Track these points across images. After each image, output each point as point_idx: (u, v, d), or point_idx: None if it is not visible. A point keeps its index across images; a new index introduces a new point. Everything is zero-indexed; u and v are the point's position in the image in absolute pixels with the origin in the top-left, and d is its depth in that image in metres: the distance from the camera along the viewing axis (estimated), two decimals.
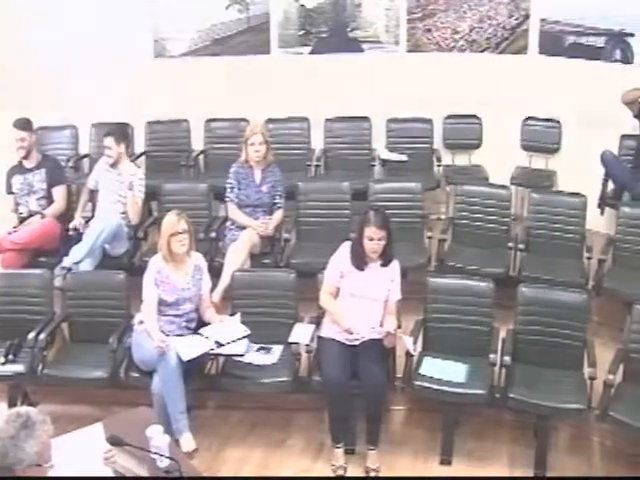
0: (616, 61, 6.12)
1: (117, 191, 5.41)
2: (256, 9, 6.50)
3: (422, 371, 4.27)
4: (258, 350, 4.44)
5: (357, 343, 4.25)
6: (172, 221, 4.40)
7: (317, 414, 4.42)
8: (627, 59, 6.07)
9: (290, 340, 4.39)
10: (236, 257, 5.00)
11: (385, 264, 4.39)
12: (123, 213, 5.38)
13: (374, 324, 4.30)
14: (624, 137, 5.89)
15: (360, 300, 4.34)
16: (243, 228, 5.18)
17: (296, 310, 4.59)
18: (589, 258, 5.05)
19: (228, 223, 5.32)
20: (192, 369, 4.25)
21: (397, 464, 4.21)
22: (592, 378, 4.16)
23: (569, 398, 4.12)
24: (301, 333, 4.42)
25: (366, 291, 4.34)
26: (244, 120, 6.12)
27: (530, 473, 4.14)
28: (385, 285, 4.37)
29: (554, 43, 6.33)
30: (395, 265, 4.42)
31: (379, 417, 4.21)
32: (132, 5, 6.40)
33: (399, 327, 4.35)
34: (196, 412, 4.40)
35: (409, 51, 6.50)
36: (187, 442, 4.11)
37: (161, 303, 4.39)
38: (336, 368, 4.16)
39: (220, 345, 4.28)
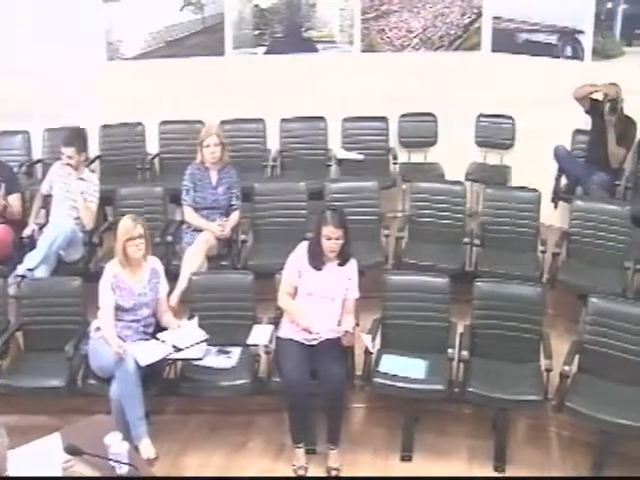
0: (567, 57, 6.23)
1: (71, 196, 5.33)
2: (210, 10, 6.45)
3: (381, 368, 4.28)
4: (217, 353, 4.41)
5: (316, 343, 4.25)
6: (128, 226, 4.35)
7: (277, 415, 4.41)
8: (578, 55, 6.18)
9: (249, 342, 4.37)
10: (193, 260, 4.96)
11: (342, 263, 4.39)
12: (77, 218, 5.31)
13: (332, 323, 4.30)
14: (576, 132, 6.00)
15: (318, 299, 4.34)
16: (200, 231, 5.14)
17: (254, 311, 4.57)
18: (543, 252, 5.11)
19: (184, 226, 5.28)
20: (150, 374, 4.20)
21: (358, 462, 4.22)
22: (548, 370, 4.21)
23: (526, 390, 4.17)
24: (260, 334, 4.40)
25: (324, 290, 4.34)
26: (199, 122, 6.07)
27: (490, 466, 4.18)
28: (343, 284, 4.38)
29: (507, 40, 6.42)
30: (352, 264, 4.42)
31: (339, 416, 4.21)
32: (84, 7, 6.32)
33: (357, 325, 4.36)
34: (155, 417, 4.35)
35: (363, 51, 6.52)
36: (146, 448, 4.06)
37: (118, 309, 4.34)
38: (295, 368, 4.16)
39: (178, 349, 4.24)
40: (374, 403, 4.55)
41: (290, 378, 4.15)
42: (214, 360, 4.36)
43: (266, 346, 4.35)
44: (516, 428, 4.43)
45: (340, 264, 4.39)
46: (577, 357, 4.29)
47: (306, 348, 4.25)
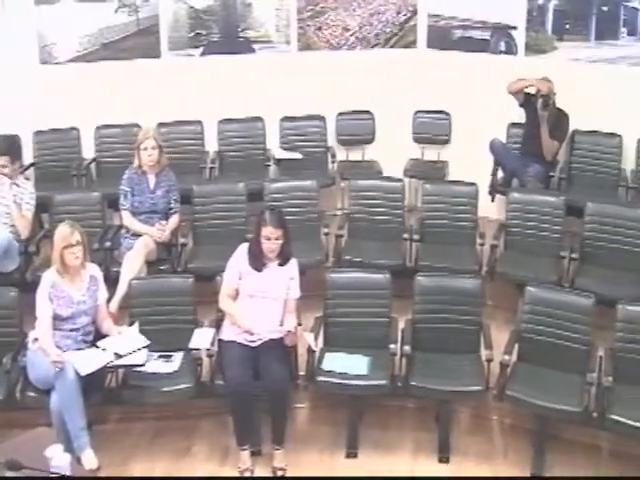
0: (501, 53, 6.35)
1: (6, 204, 5.20)
2: (145, 12, 6.36)
3: (324, 367, 4.29)
4: (158, 359, 4.36)
5: (258, 344, 4.24)
6: (65, 233, 4.26)
7: (221, 418, 4.38)
8: (511, 51, 6.30)
9: (190, 346, 4.33)
10: (132, 265, 4.89)
11: (283, 263, 4.39)
12: (12, 226, 5.18)
13: (274, 324, 4.30)
14: (511, 125, 6.11)
15: (260, 300, 4.33)
16: (139, 235, 5.07)
17: (195, 315, 4.53)
18: (482, 244, 5.21)
19: (123, 231, 5.20)
20: (91, 383, 4.13)
21: (304, 461, 4.22)
22: (489, 360, 4.28)
23: (468, 381, 4.24)
24: (201, 338, 4.37)
25: (265, 291, 4.33)
26: (136, 125, 5.98)
27: (434, 457, 4.24)
28: (284, 284, 4.37)
29: (442, 37, 6.51)
30: (293, 263, 4.42)
31: (284, 416, 4.21)
32: (15, 9, 6.17)
33: (299, 325, 4.36)
34: (97, 427, 4.28)
35: (300, 50, 6.53)
36: (89, 459, 3.99)
37: (56, 318, 4.25)
38: (238, 370, 4.13)
39: (119, 357, 4.18)
40: (318, 402, 4.56)
41: (233, 380, 4.13)
42: (156, 366, 4.31)
43: (208, 349, 4.31)
44: (459, 419, 4.50)
45: (281, 264, 4.38)
46: (516, 346, 4.37)
47: (248, 349, 4.24)
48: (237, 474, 4.16)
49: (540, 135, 5.70)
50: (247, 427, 4.19)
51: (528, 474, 4.15)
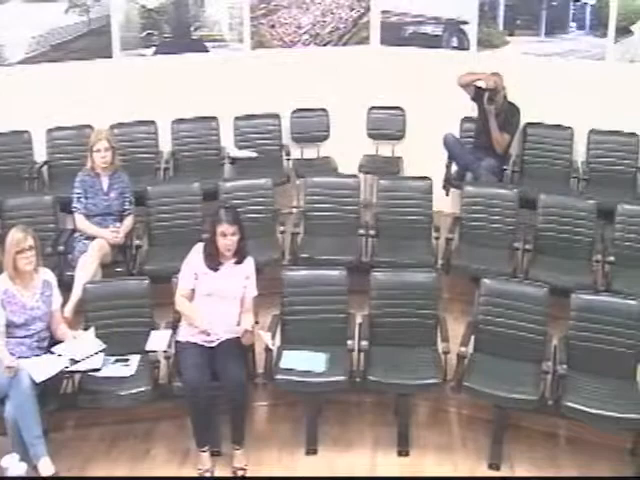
0: (454, 48, 6.40)
1: None
2: (96, 12, 6.25)
3: (282, 365, 4.29)
4: (115, 362, 4.30)
5: (215, 344, 4.22)
6: (18, 238, 4.18)
7: (179, 420, 4.35)
8: (464, 46, 6.36)
9: (147, 348, 4.29)
10: (87, 269, 4.83)
11: (239, 262, 4.37)
12: None
13: (231, 323, 4.28)
14: (464, 120, 6.17)
15: (216, 300, 4.30)
16: (93, 238, 5.00)
17: (152, 317, 4.49)
18: (437, 238, 5.25)
19: (77, 234, 5.13)
20: (47, 390, 4.06)
21: (264, 460, 4.22)
22: (446, 352, 4.32)
23: (425, 374, 4.27)
24: (158, 340, 4.33)
25: (222, 290, 4.31)
26: (88, 127, 5.90)
27: (394, 452, 4.26)
28: (240, 283, 4.35)
29: (395, 33, 6.54)
30: (249, 262, 4.41)
31: (242, 416, 4.19)
32: None
33: (257, 323, 4.34)
34: (54, 434, 4.21)
35: (254, 48, 6.50)
36: (45, 467, 3.93)
37: (9, 325, 4.17)
38: (196, 371, 4.11)
39: (75, 362, 4.12)
40: (277, 400, 4.56)
41: (191, 381, 4.09)
42: (113, 370, 4.25)
43: (165, 351, 4.27)
44: (417, 412, 4.53)
45: (237, 262, 4.36)
46: (473, 338, 4.42)
47: (206, 350, 4.21)
48: (196, 476, 4.12)
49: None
50: (206, 428, 4.16)
51: (486, 464, 4.19)
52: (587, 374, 4.25)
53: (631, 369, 4.26)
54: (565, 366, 4.14)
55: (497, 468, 4.19)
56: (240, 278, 4.35)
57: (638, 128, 5.91)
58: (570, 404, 4.06)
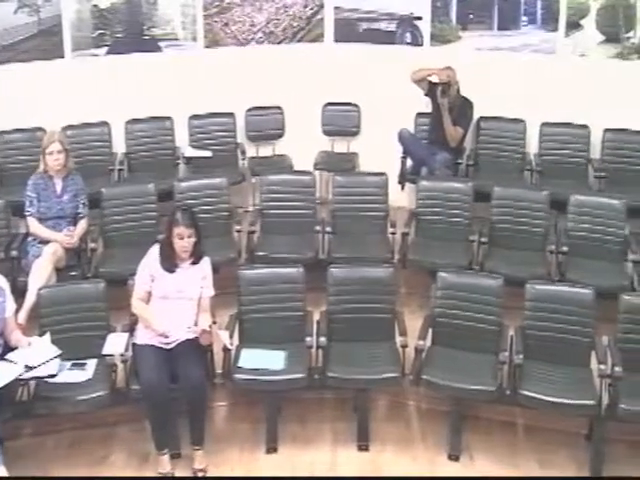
0: (407, 44, 6.44)
1: None
2: (47, 11, 6.14)
3: (241, 364, 4.28)
4: (71, 367, 4.24)
5: (173, 345, 4.19)
6: None
7: (138, 424, 4.31)
8: (417, 42, 6.40)
9: (104, 352, 4.24)
10: (41, 273, 4.75)
11: (196, 262, 4.35)
12: None
13: (189, 324, 4.25)
14: (418, 115, 6.22)
15: (173, 301, 4.28)
16: (46, 242, 4.92)
17: (108, 320, 4.44)
18: (393, 233, 5.28)
19: (30, 239, 5.04)
20: (1, 398, 3.96)
21: (224, 460, 4.20)
22: (404, 346, 4.35)
23: (384, 368, 4.29)
24: (115, 343, 4.28)
25: (179, 292, 4.28)
26: (40, 129, 5.80)
27: (354, 447, 4.28)
28: (197, 283, 4.33)
29: (348, 30, 6.55)
30: (206, 262, 4.39)
31: (202, 417, 4.17)
32: None
33: (215, 323, 4.32)
34: (9, 443, 4.12)
35: (207, 47, 6.46)
36: (1, 477, 3.86)
37: None
38: (154, 374, 4.07)
39: (30, 369, 4.04)
40: (236, 399, 4.54)
41: (149, 384, 4.06)
42: (69, 375, 4.19)
43: (122, 354, 4.23)
44: (377, 406, 4.55)
45: (193, 263, 4.34)
46: (430, 331, 4.45)
47: (163, 352, 4.18)
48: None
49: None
50: (165, 431, 4.13)
51: (445, 455, 4.24)
52: (543, 363, 4.31)
53: (585, 356, 4.33)
54: (521, 356, 4.20)
55: (456, 459, 4.24)
56: (197, 279, 4.33)
57: (589, 120, 6.02)
58: (527, 393, 4.12)
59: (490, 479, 4.15)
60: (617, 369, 4.06)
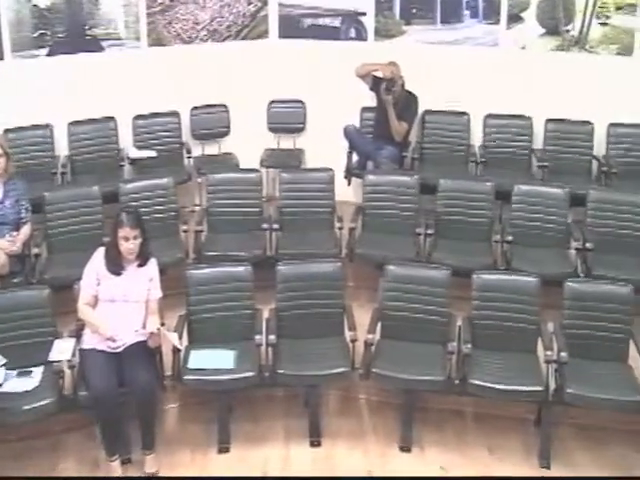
0: (352, 39, 6.46)
1: None
2: None
3: (190, 365, 4.25)
4: (17, 376, 4.15)
5: (121, 349, 4.13)
6: None
7: (87, 430, 4.24)
8: (361, 37, 6.43)
9: (50, 359, 4.16)
10: None
11: (142, 264, 4.31)
12: None
13: (137, 327, 4.20)
14: (364, 110, 6.25)
15: (120, 304, 4.23)
16: None
17: (54, 326, 4.35)
18: (340, 228, 5.29)
19: None
20: None
21: (176, 463, 4.16)
22: (353, 340, 4.37)
23: (334, 363, 4.30)
24: (62, 349, 4.21)
25: (125, 294, 4.23)
26: None
27: (306, 443, 4.29)
28: (144, 286, 4.29)
29: (293, 26, 6.54)
30: (153, 263, 4.35)
31: (152, 420, 4.13)
32: None
33: (163, 325, 4.29)
34: None
35: (151, 46, 6.39)
36: None
37: None
38: (102, 379, 4.01)
39: None
40: (187, 400, 4.51)
41: (97, 390, 4.00)
42: (15, 384, 4.10)
43: (69, 360, 4.16)
44: (328, 401, 4.57)
45: (140, 265, 4.30)
46: (379, 324, 4.47)
47: (112, 356, 4.12)
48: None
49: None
50: (115, 436, 4.08)
51: (397, 447, 4.27)
52: (491, 351, 4.38)
53: (532, 343, 4.41)
54: (469, 345, 4.26)
55: (408, 450, 4.28)
56: (144, 281, 4.29)
57: (531, 111, 6.12)
58: (475, 382, 4.18)
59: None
60: (563, 354, 4.15)
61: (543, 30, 6.21)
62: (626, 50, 6.09)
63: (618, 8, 6.04)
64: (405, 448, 4.28)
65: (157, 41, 6.38)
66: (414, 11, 6.39)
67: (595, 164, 6.04)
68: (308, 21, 6.55)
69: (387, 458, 4.23)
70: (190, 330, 4.45)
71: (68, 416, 4.24)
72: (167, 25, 6.43)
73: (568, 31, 6.16)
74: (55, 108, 5.99)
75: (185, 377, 4.20)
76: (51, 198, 5.19)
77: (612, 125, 6.03)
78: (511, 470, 4.15)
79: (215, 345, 4.36)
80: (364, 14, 6.42)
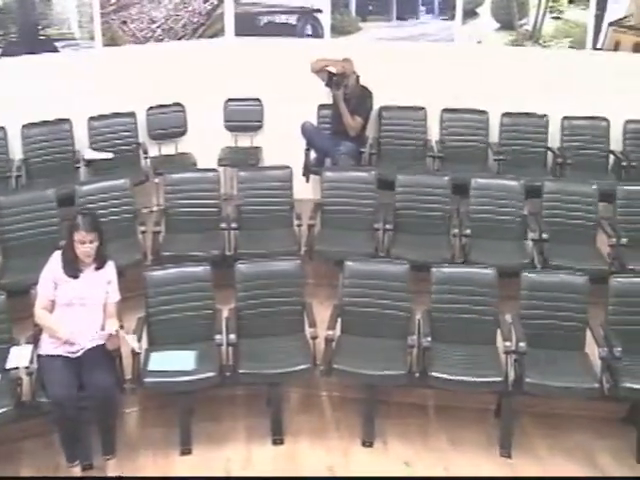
0: (308, 36, 6.47)
1: None
2: None
3: (151, 367, 4.22)
4: None
5: (80, 354, 4.08)
6: None
7: (46, 437, 4.18)
8: (318, 34, 6.44)
9: (7, 366, 4.08)
10: None
11: (100, 267, 4.25)
12: None
13: (95, 330, 4.15)
14: (321, 107, 6.25)
15: (78, 308, 4.17)
16: None
17: (10, 333, 4.28)
18: (299, 225, 5.29)
19: None
20: None
21: (138, 466, 4.13)
22: (314, 337, 4.38)
23: (295, 361, 4.30)
24: (19, 356, 4.13)
25: (83, 298, 4.18)
26: None
27: (268, 442, 4.29)
28: (102, 289, 4.24)
29: (249, 24, 6.51)
30: (110, 266, 4.30)
31: (112, 425, 4.10)
32: None
33: (122, 327, 4.24)
34: None
35: (106, 46, 6.31)
36: None
37: None
38: (61, 385, 3.96)
39: None
40: (148, 403, 4.48)
41: (57, 395, 3.94)
42: None
43: (27, 367, 4.09)
44: (289, 399, 4.57)
45: (97, 268, 4.25)
46: (340, 320, 4.49)
47: (70, 361, 4.07)
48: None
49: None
50: (75, 442, 4.03)
51: (359, 442, 4.29)
52: (451, 344, 4.42)
53: (491, 334, 4.47)
54: (429, 338, 4.28)
55: (370, 445, 4.30)
56: (102, 284, 4.24)
57: (487, 105, 6.19)
58: (436, 374, 4.22)
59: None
60: (521, 345, 4.20)
61: (498, 25, 6.29)
62: (578, 44, 6.21)
63: (570, 2, 6.14)
64: (367, 443, 4.30)
65: (112, 41, 6.31)
66: (370, 8, 6.43)
67: (550, 156, 6.14)
68: (264, 19, 6.54)
69: (350, 454, 4.25)
70: (150, 332, 4.42)
71: (27, 423, 4.17)
72: (122, 25, 6.36)
73: (522, 26, 6.26)
74: (8, 110, 5.86)
75: (145, 380, 4.17)
76: (5, 202, 5.11)
77: (566, 118, 6.14)
78: (472, 461, 4.20)
79: (175, 346, 4.33)
80: (320, 11, 6.42)
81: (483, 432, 4.38)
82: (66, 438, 4.02)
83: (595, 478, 4.17)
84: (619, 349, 4.16)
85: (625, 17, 6.14)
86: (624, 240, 5.08)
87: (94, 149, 6.03)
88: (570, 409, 4.47)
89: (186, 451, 4.23)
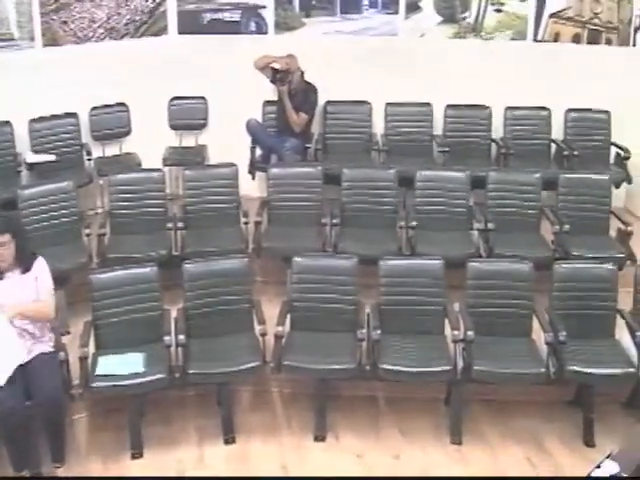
0: (252, 33, 6.44)
1: None
2: None
3: (99, 371, 4.15)
4: None
5: (24, 361, 3.99)
6: None
7: None
8: (262, 30, 6.42)
9: None
10: None
11: (27, 269, 4.10)
12: None
13: (32, 332, 4.04)
14: (266, 103, 6.24)
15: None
16: None
17: None
18: (246, 223, 5.28)
19: None
20: None
21: (89, 473, 4.07)
22: (263, 334, 4.37)
23: (244, 359, 4.29)
24: None
25: (11, 302, 4.00)
26: None
27: (220, 441, 4.27)
28: (31, 290, 4.07)
29: (192, 22, 6.46)
30: (38, 263, 4.13)
31: (61, 431, 4.04)
32: None
33: (68, 333, 4.18)
34: None
35: (46, 46, 6.20)
36: None
37: None
38: (7, 394, 3.85)
39: None
40: (97, 408, 4.42)
41: (2, 405, 3.83)
42: None
43: None
44: (240, 398, 4.56)
45: (25, 271, 4.09)
46: (289, 316, 4.49)
47: (15, 369, 3.94)
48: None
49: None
50: (23, 451, 3.94)
51: (311, 438, 4.31)
52: (400, 335, 4.45)
53: (439, 324, 4.52)
54: (379, 331, 4.31)
55: (323, 439, 4.32)
56: (30, 285, 4.09)
57: (430, 98, 6.25)
58: (385, 366, 4.25)
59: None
60: (469, 333, 4.26)
61: (440, 18, 6.36)
62: (520, 35, 6.32)
63: None
64: (320, 437, 4.32)
65: (52, 41, 6.19)
66: (314, 3, 6.43)
67: (494, 147, 6.24)
68: (208, 16, 6.49)
69: (302, 449, 4.26)
70: (97, 336, 4.35)
71: None
72: (62, 24, 6.25)
73: (464, 18, 6.33)
74: None
75: (94, 385, 4.10)
76: None
77: (509, 108, 6.24)
78: (424, 449, 4.25)
79: (124, 349, 4.28)
80: (264, 7, 6.41)
81: (433, 421, 4.44)
82: (13, 447, 3.93)
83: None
84: (564, 333, 4.25)
85: (564, 9, 6.27)
86: (567, 227, 5.18)
87: (36, 152, 5.91)
88: (518, 394, 4.54)
89: (137, 455, 4.18)
